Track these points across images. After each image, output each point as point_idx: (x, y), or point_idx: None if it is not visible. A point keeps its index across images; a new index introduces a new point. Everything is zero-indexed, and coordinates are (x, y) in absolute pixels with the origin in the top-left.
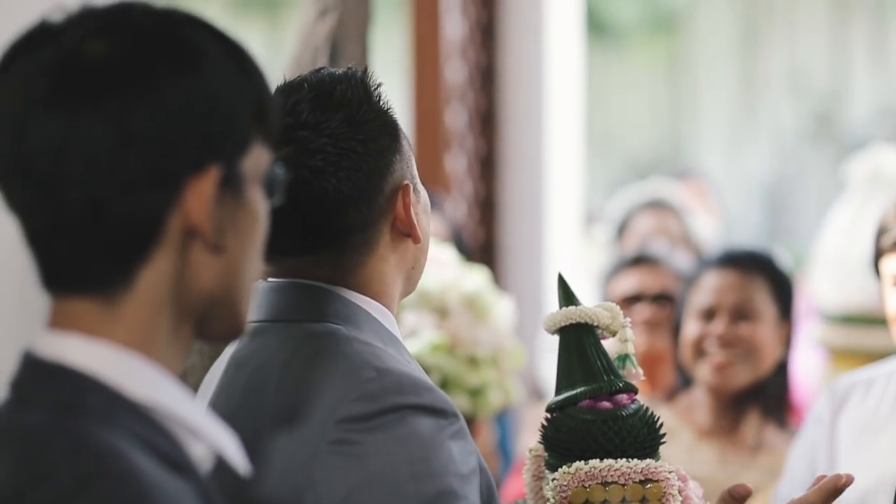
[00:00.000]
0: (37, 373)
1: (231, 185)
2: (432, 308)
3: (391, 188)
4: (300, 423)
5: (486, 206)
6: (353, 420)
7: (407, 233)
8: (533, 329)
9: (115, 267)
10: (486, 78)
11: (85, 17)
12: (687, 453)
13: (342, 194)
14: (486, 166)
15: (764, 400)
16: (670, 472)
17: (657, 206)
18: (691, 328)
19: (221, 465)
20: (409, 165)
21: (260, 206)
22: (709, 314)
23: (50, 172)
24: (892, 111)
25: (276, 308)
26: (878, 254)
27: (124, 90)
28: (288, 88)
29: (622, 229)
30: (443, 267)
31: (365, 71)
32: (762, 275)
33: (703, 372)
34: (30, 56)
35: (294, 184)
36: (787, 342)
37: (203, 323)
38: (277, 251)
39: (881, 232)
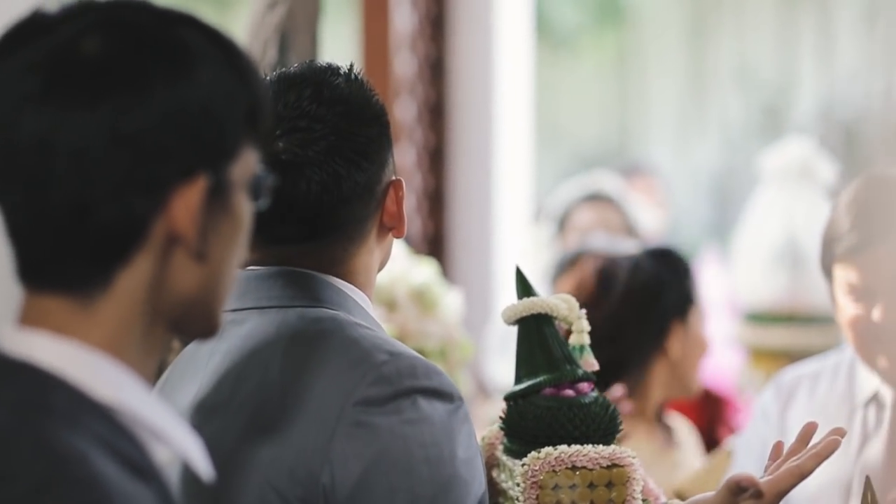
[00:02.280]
0: (2, 370)
1: (218, 193)
2: (381, 300)
3: (385, 182)
4: (314, 404)
5: (435, 199)
6: (370, 403)
7: (392, 227)
8: (481, 322)
9: (95, 268)
10: (436, 71)
11: (80, 13)
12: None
13: (353, 182)
14: (436, 159)
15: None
16: (634, 458)
17: (596, 199)
18: None
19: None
20: (395, 161)
21: (245, 211)
22: None
23: (37, 169)
24: (838, 104)
25: (267, 295)
26: (830, 260)
27: (117, 91)
28: (285, 80)
29: (562, 224)
30: (391, 259)
31: (352, 67)
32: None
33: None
34: (23, 50)
35: (303, 172)
36: None
37: (178, 323)
38: (276, 239)
39: (833, 239)
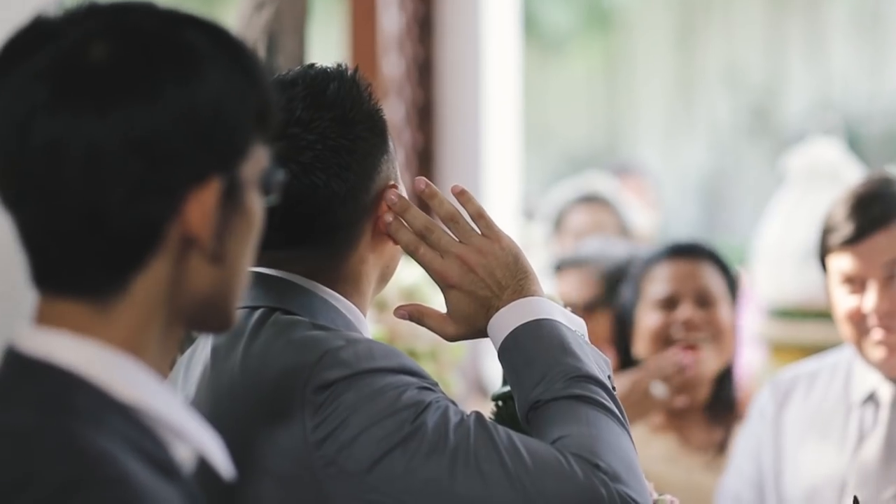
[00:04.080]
0: (21, 369)
1: (231, 194)
2: (371, 303)
3: (377, 188)
4: (272, 397)
5: (424, 201)
6: (329, 385)
7: (388, 233)
8: None
9: (111, 274)
10: (424, 72)
11: (85, 17)
12: (638, 447)
13: (331, 191)
14: (424, 160)
15: (713, 405)
16: None
17: (590, 200)
18: (652, 319)
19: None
20: (394, 167)
21: (257, 208)
22: (670, 303)
23: (50, 177)
24: (827, 106)
25: (250, 299)
26: (826, 251)
27: (127, 96)
28: (281, 84)
29: (557, 225)
30: None
31: (357, 70)
32: (711, 262)
33: (677, 357)
34: (29, 58)
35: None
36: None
37: (194, 320)
38: (263, 243)
39: (829, 230)
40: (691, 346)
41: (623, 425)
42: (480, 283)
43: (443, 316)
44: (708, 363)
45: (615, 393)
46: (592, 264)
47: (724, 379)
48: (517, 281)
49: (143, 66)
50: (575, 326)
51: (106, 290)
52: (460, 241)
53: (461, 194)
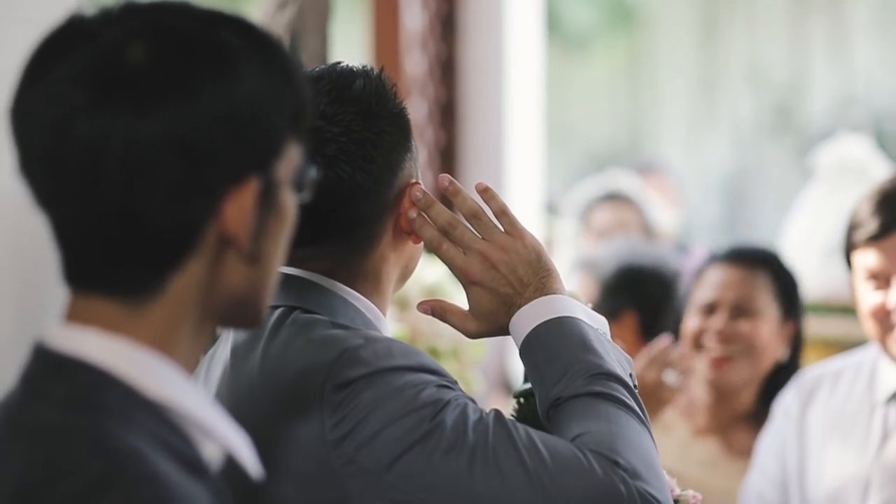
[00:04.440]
0: (51, 366)
1: (267, 194)
2: (392, 300)
3: (400, 184)
4: (291, 395)
5: (447, 199)
6: (348, 383)
7: (409, 231)
8: None
9: (147, 273)
10: (446, 70)
11: (121, 17)
12: (679, 449)
13: (355, 184)
14: (447, 158)
15: (761, 409)
16: None
17: (614, 198)
18: (692, 322)
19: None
20: (417, 167)
21: (291, 207)
22: (710, 309)
23: (89, 177)
24: (851, 103)
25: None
26: (851, 247)
27: (166, 96)
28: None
29: (582, 223)
30: None
31: (382, 69)
32: (767, 272)
33: (702, 366)
34: (67, 58)
35: None
36: (790, 342)
37: (224, 317)
38: None
39: (854, 226)
40: (721, 359)
41: (644, 423)
42: (503, 280)
43: (464, 313)
44: (739, 374)
45: (636, 391)
46: (597, 268)
47: (772, 384)
48: (539, 279)
49: (181, 66)
50: (597, 325)
51: (142, 289)
52: (483, 238)
53: (485, 192)
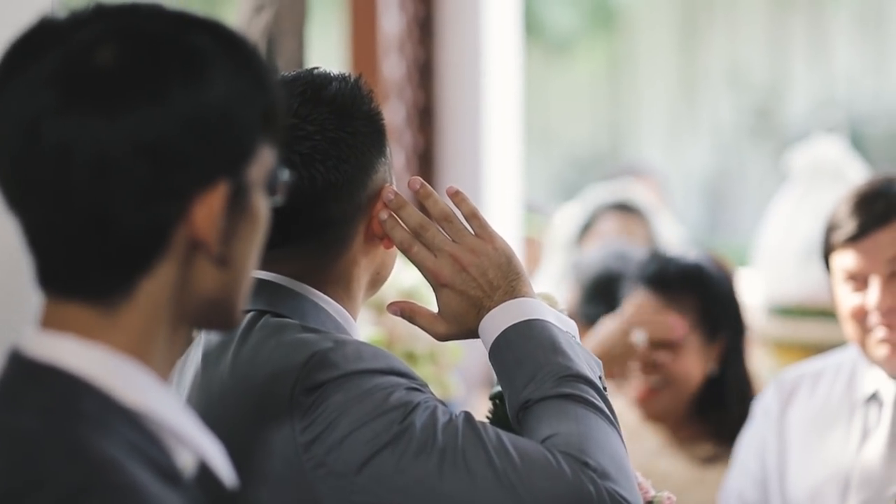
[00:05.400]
0: (27, 374)
1: (238, 197)
2: (370, 304)
3: (373, 188)
4: (262, 399)
5: (419, 201)
6: (318, 386)
7: (381, 236)
8: None
9: (116, 277)
10: (424, 74)
11: (92, 20)
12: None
13: (328, 183)
14: (425, 162)
15: (717, 423)
16: None
17: (624, 208)
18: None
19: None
20: (391, 173)
21: (263, 210)
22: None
23: (58, 181)
24: (831, 105)
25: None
26: (829, 249)
27: (135, 100)
28: (282, 83)
29: (586, 228)
30: None
31: (360, 76)
32: (688, 298)
33: (631, 395)
34: (36, 61)
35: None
36: (720, 358)
37: (199, 321)
38: None
39: (833, 228)
40: (643, 391)
41: (613, 424)
42: (472, 283)
43: (434, 315)
44: (662, 403)
45: (605, 392)
46: (579, 274)
47: (707, 396)
48: (509, 282)
49: (151, 70)
50: (566, 328)
51: (112, 293)
52: (454, 241)
53: (455, 195)
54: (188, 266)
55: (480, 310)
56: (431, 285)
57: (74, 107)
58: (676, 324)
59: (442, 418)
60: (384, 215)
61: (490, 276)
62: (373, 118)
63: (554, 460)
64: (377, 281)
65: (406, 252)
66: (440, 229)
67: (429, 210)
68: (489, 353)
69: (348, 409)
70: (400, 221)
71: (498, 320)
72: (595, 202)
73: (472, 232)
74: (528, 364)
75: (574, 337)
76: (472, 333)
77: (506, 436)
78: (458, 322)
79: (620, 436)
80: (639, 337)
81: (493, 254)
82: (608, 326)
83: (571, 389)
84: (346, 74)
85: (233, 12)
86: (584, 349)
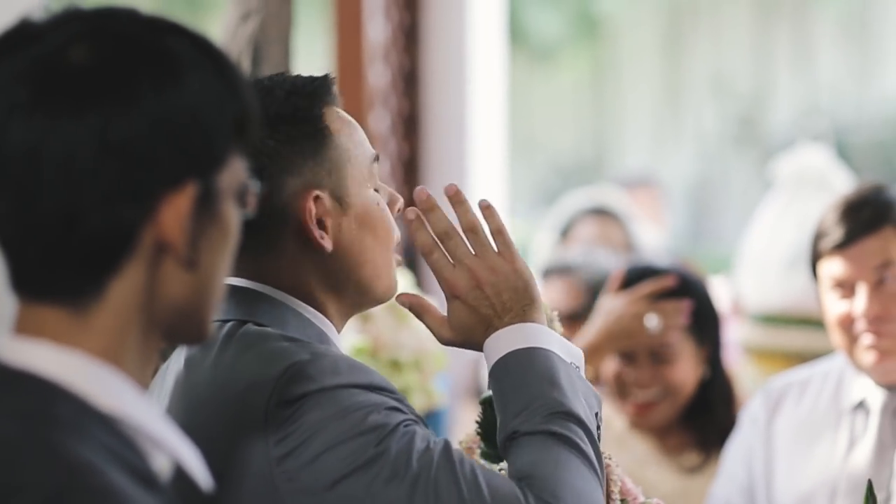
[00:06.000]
0: (3, 380)
1: (206, 201)
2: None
3: (293, 191)
4: (238, 409)
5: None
6: (294, 400)
7: (310, 239)
8: None
9: (85, 277)
10: (409, 81)
11: (67, 22)
12: (637, 466)
13: None
14: (409, 170)
15: (703, 430)
16: (610, 459)
17: (601, 213)
18: (611, 367)
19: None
20: (336, 175)
21: (233, 219)
22: (627, 356)
23: (25, 178)
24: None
25: (221, 312)
26: (817, 257)
27: (106, 100)
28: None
29: (564, 233)
30: None
31: (326, 77)
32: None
33: (628, 411)
34: (10, 59)
35: None
36: (709, 360)
37: (170, 331)
38: None
39: (820, 235)
40: (643, 405)
41: (595, 471)
42: (485, 302)
43: (442, 318)
44: (662, 413)
45: (598, 433)
46: (578, 273)
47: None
48: (522, 306)
49: (122, 70)
50: (572, 358)
51: (81, 293)
52: (475, 255)
53: (487, 209)
54: (156, 268)
55: (488, 328)
56: (444, 294)
57: (44, 104)
58: (686, 307)
59: (419, 445)
60: (412, 214)
61: (504, 298)
62: (308, 122)
63: (524, 502)
64: (346, 288)
65: (425, 256)
66: (465, 240)
67: (458, 218)
68: (489, 372)
69: (325, 427)
70: (426, 224)
71: (502, 342)
72: (572, 207)
73: (496, 249)
74: (523, 393)
75: (578, 368)
76: (477, 347)
77: (480, 471)
78: (464, 334)
79: (601, 482)
80: (652, 322)
81: (512, 276)
82: (614, 303)
83: (560, 428)
84: (295, 76)
85: (219, 20)
86: (585, 383)
